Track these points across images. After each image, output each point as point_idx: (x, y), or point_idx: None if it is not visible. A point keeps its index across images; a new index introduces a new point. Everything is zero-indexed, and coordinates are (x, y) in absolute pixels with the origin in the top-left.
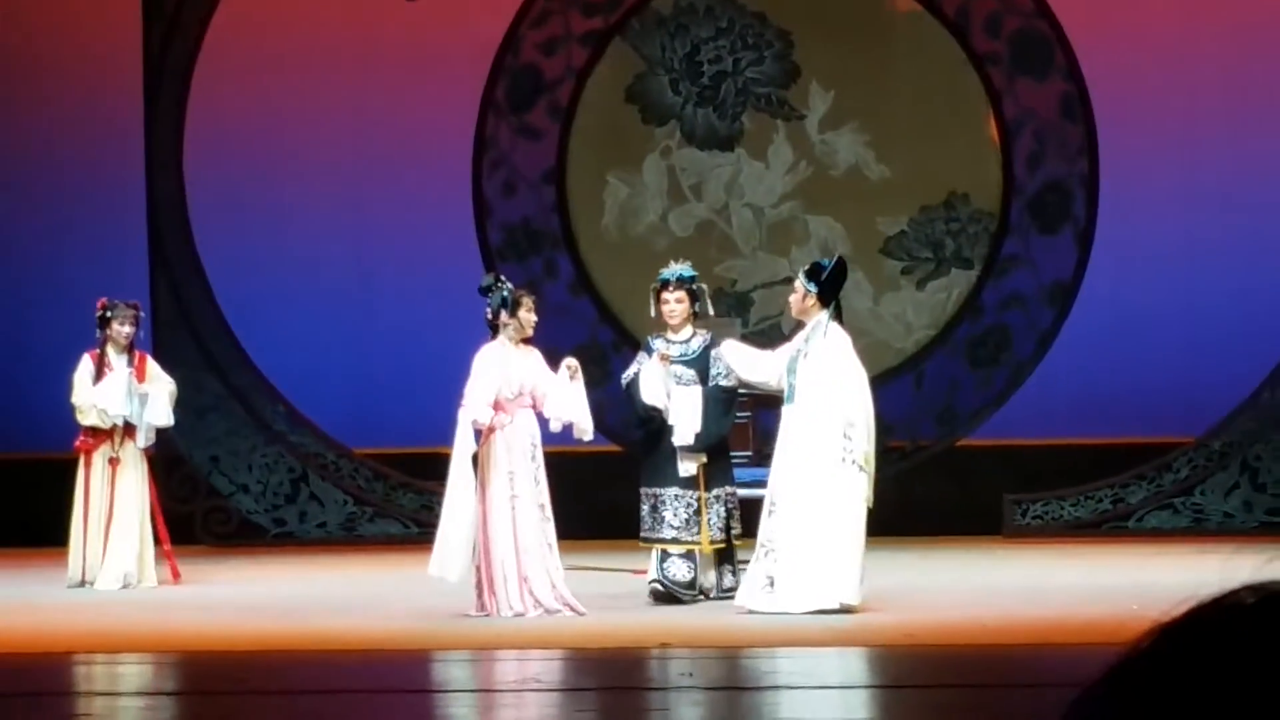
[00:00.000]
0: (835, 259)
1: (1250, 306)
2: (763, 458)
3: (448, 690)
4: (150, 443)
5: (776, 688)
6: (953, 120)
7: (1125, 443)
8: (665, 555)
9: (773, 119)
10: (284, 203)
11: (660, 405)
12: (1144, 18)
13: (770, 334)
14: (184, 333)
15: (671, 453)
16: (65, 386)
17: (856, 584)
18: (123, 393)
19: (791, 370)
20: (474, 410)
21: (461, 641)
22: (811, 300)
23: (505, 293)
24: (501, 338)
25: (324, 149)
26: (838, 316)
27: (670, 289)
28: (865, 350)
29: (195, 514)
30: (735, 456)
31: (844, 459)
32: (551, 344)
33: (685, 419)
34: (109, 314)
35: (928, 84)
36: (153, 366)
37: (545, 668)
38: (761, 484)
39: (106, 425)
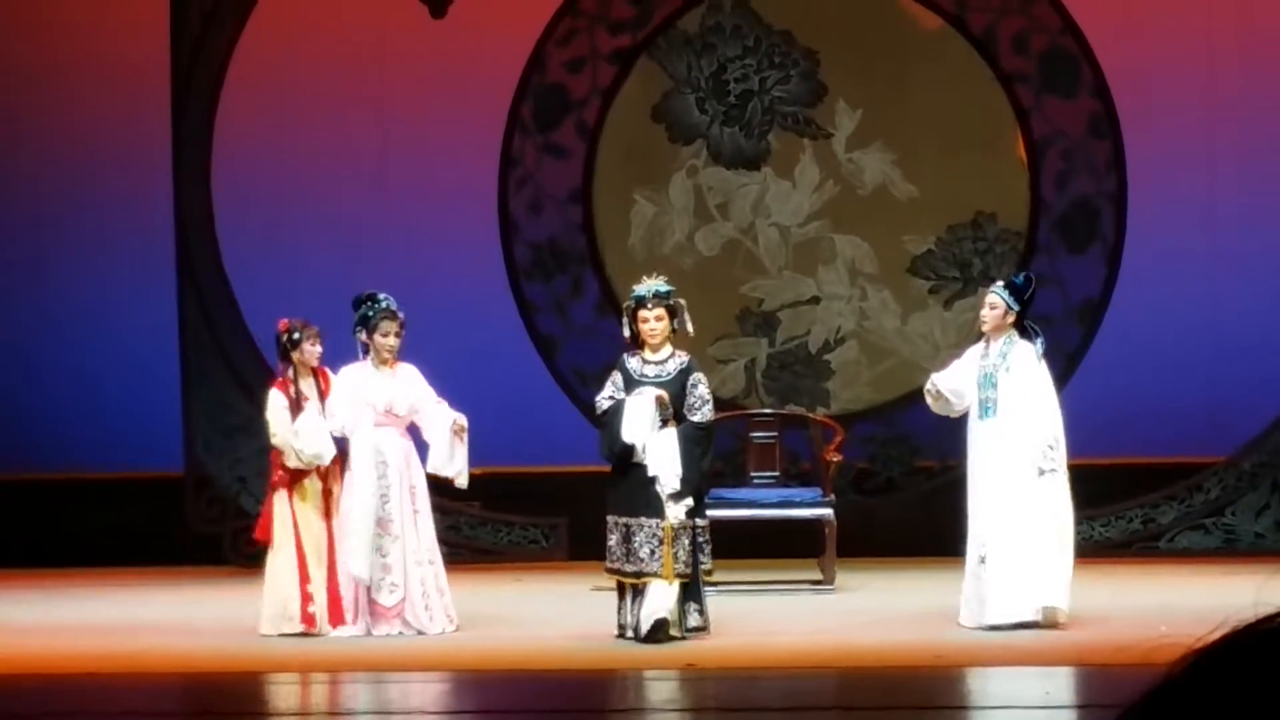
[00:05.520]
0: (1028, 278)
1: None
2: (790, 478)
3: (509, 712)
4: None
5: (790, 710)
6: (980, 139)
7: (1155, 462)
8: (633, 591)
9: (799, 138)
10: (310, 220)
11: (638, 445)
12: (1172, 35)
13: (797, 353)
14: (212, 352)
15: (642, 482)
16: (89, 404)
17: (1066, 592)
18: (322, 431)
19: (991, 384)
20: (341, 423)
21: (525, 662)
22: (1012, 317)
23: (368, 313)
24: (366, 358)
25: (350, 166)
26: (1025, 334)
27: (648, 306)
28: (892, 370)
29: (223, 535)
30: (761, 477)
31: (1043, 470)
32: (577, 363)
33: (667, 464)
34: (296, 335)
35: (955, 102)
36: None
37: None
38: (789, 504)
39: (308, 466)
